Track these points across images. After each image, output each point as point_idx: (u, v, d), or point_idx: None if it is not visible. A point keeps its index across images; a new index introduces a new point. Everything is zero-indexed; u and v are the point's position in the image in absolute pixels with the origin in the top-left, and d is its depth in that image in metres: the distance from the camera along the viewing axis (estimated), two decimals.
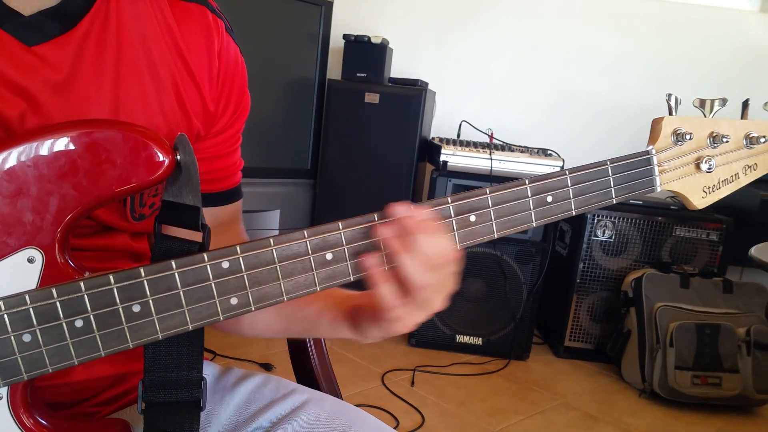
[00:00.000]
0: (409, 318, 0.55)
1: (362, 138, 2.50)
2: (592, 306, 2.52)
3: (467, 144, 2.46)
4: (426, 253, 0.52)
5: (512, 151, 2.43)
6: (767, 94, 2.85)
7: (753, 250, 1.48)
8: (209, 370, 0.79)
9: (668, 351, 2.21)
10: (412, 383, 2.22)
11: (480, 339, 2.48)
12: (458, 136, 2.73)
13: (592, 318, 2.53)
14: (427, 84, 2.62)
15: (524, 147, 2.53)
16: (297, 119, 2.52)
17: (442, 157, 2.37)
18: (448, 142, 2.46)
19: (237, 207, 0.76)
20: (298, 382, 0.89)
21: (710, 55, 2.87)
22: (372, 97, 2.46)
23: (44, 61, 0.53)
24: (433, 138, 2.60)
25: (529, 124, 2.93)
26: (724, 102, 0.61)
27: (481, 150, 2.39)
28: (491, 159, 2.35)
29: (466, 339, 2.47)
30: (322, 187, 2.56)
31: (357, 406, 0.76)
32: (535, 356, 2.55)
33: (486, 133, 2.68)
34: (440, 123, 2.86)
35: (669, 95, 0.61)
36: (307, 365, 0.89)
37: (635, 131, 2.89)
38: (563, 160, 2.39)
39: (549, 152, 2.48)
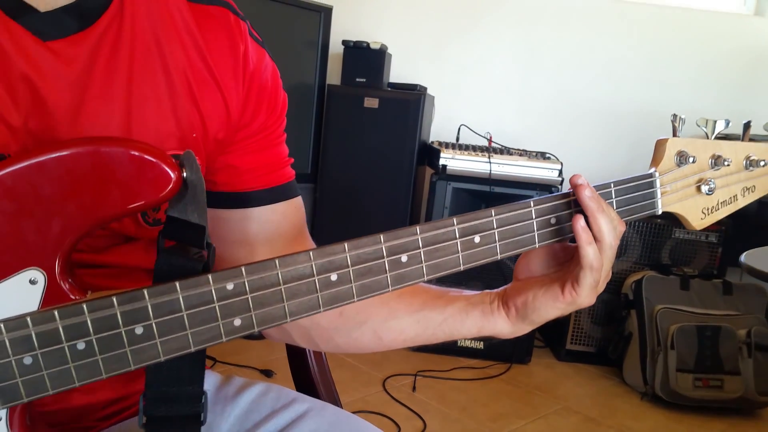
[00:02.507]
0: (600, 285, 0.59)
1: (362, 142, 2.50)
2: (593, 309, 2.52)
3: (466, 148, 2.46)
4: (612, 215, 0.57)
5: (511, 154, 2.43)
6: (762, 97, 2.86)
7: (743, 257, 1.48)
8: (210, 380, 0.79)
9: (669, 353, 2.21)
10: (414, 388, 2.22)
11: (481, 343, 2.47)
12: (457, 139, 2.73)
13: (593, 321, 2.53)
14: (425, 88, 2.62)
15: (523, 150, 2.53)
16: (297, 124, 2.51)
17: (442, 161, 2.37)
18: (447, 145, 2.46)
19: (294, 209, 0.73)
20: (297, 389, 0.89)
21: (706, 58, 2.88)
22: (371, 102, 2.46)
23: (57, 57, 0.53)
24: (432, 142, 2.60)
25: (528, 127, 2.93)
26: (727, 123, 0.62)
27: (480, 153, 2.39)
28: (490, 162, 2.35)
29: (468, 343, 2.47)
30: (322, 192, 2.56)
31: (358, 412, 0.76)
32: (536, 360, 2.54)
33: (485, 137, 2.68)
34: (439, 127, 2.85)
35: (674, 116, 0.61)
36: (306, 372, 0.89)
37: (633, 134, 2.89)
38: (561, 164, 2.39)
39: (547, 155, 2.48)
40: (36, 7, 0.52)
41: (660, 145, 0.62)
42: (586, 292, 0.59)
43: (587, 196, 0.56)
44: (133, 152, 0.48)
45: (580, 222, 0.56)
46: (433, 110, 2.81)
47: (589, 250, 0.57)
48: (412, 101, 2.47)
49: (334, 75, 2.65)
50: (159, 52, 0.58)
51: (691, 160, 0.62)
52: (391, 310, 0.67)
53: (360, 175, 2.52)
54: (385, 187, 2.51)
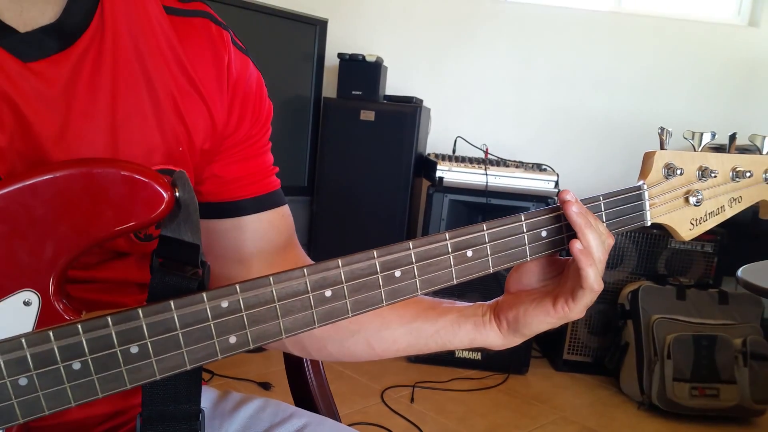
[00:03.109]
0: (590, 299, 0.60)
1: (358, 155, 2.50)
2: (590, 319, 2.52)
3: (462, 160, 2.47)
4: (600, 229, 0.58)
5: (507, 166, 2.44)
6: (756, 107, 2.88)
7: (740, 272, 1.49)
8: (207, 396, 0.79)
9: (666, 363, 2.21)
10: (412, 400, 2.21)
11: (479, 354, 2.47)
12: (453, 152, 2.74)
13: (590, 331, 2.54)
14: (421, 101, 2.63)
15: (519, 162, 2.54)
16: (293, 137, 2.52)
17: (438, 173, 2.38)
18: (443, 158, 2.47)
19: (282, 217, 0.73)
20: (295, 402, 0.90)
21: (700, 69, 2.90)
22: (367, 115, 2.47)
23: (39, 78, 0.53)
24: (428, 154, 2.61)
25: (524, 139, 2.94)
26: (713, 135, 0.63)
27: (477, 165, 2.40)
28: (486, 174, 2.36)
29: (465, 353, 2.47)
30: (318, 204, 2.57)
31: (356, 424, 0.76)
32: (534, 370, 2.54)
33: (481, 149, 2.69)
34: (435, 139, 2.87)
35: (661, 129, 0.62)
36: (304, 385, 0.89)
37: (628, 145, 2.91)
38: (557, 175, 2.40)
39: (543, 167, 2.49)
40: (16, 27, 0.53)
41: (648, 158, 0.63)
42: (581, 308, 0.60)
43: (575, 212, 0.57)
44: (125, 173, 0.48)
45: (577, 245, 0.57)
46: (429, 122, 2.82)
47: (590, 272, 0.57)
48: (408, 114, 2.48)
49: (329, 88, 2.67)
50: (141, 68, 0.58)
51: (678, 172, 0.63)
52: (384, 321, 0.68)
53: (357, 188, 2.53)
54: (382, 199, 2.52)
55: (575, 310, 0.60)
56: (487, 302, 0.67)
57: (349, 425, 0.78)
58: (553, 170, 2.44)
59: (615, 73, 2.92)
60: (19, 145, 0.53)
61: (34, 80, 0.53)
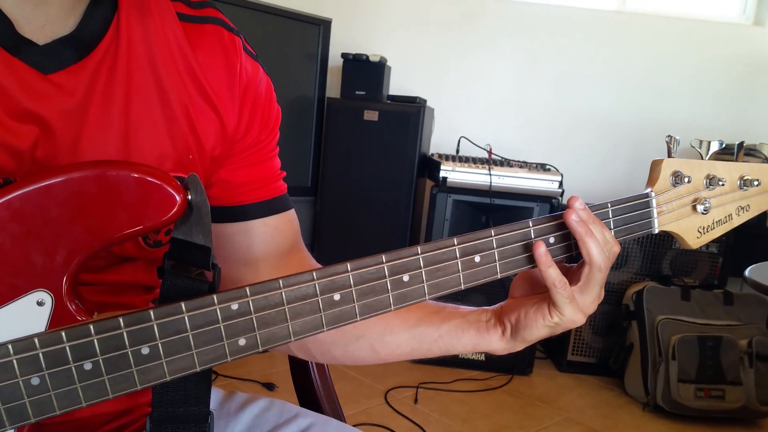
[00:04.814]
0: (587, 305, 0.60)
1: (362, 155, 2.51)
2: (594, 320, 2.52)
3: (466, 160, 2.47)
4: (606, 237, 0.59)
5: (511, 166, 2.44)
6: (760, 105, 2.88)
7: (748, 272, 1.49)
8: (213, 396, 0.79)
9: (671, 364, 2.21)
10: (416, 400, 2.21)
11: (483, 354, 2.47)
12: (457, 152, 2.74)
13: (594, 332, 2.54)
14: (425, 101, 2.63)
15: (523, 162, 2.54)
16: (297, 137, 2.53)
17: (442, 173, 2.38)
18: (447, 158, 2.48)
19: (288, 221, 0.74)
20: (300, 402, 0.90)
21: (705, 68, 2.90)
22: (371, 115, 2.47)
23: (60, 89, 0.54)
24: (432, 154, 2.61)
25: (528, 139, 2.94)
26: (721, 143, 0.63)
27: (480, 166, 2.40)
28: (490, 174, 2.36)
29: (469, 354, 2.47)
30: (322, 204, 2.57)
31: (360, 424, 0.76)
32: (538, 371, 2.54)
33: (485, 149, 2.69)
34: (439, 139, 2.87)
35: (669, 137, 0.62)
36: (309, 385, 0.89)
37: (632, 144, 2.91)
38: (561, 175, 2.40)
39: (548, 167, 2.49)
40: (35, 41, 0.53)
41: (655, 166, 0.63)
42: (568, 310, 0.59)
43: (574, 221, 0.58)
44: (138, 175, 0.49)
45: (540, 249, 0.57)
46: (432, 122, 2.82)
47: (551, 273, 0.58)
48: (411, 114, 2.48)
49: (333, 88, 2.67)
50: (154, 76, 0.59)
51: (686, 180, 0.63)
52: (388, 326, 0.69)
53: (360, 188, 2.53)
54: (386, 199, 2.52)
55: (564, 312, 0.60)
56: (491, 307, 0.67)
57: (353, 426, 0.79)
58: (557, 170, 2.44)
59: (619, 72, 2.92)
60: (39, 155, 0.54)
61: (56, 92, 0.54)
